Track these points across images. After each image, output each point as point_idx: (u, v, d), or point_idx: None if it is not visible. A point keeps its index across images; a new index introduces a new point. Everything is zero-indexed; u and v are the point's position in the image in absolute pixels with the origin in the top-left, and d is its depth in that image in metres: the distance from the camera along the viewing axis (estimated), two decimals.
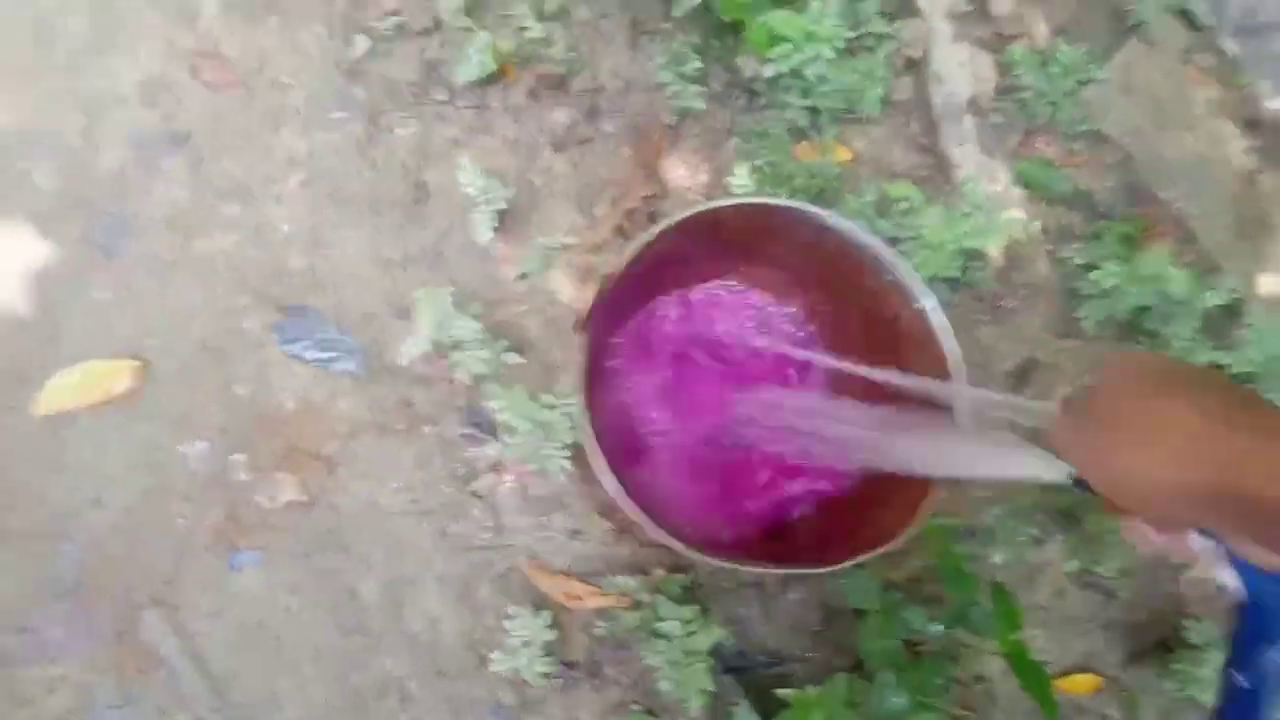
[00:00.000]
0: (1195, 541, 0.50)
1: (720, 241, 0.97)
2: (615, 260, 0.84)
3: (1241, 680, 0.55)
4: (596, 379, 1.00)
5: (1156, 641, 1.19)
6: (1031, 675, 0.94)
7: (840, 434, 0.93)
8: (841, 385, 1.01)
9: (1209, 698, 1.07)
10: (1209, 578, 1.24)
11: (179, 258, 1.03)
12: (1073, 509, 1.16)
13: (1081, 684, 1.17)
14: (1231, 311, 1.24)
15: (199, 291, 1.02)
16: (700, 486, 0.99)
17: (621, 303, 0.99)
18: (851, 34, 1.15)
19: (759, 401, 0.99)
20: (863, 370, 0.90)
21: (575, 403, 0.87)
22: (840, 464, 0.98)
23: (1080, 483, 0.53)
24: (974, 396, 0.86)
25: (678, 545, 0.81)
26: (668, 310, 1.05)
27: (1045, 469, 0.56)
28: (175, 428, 0.99)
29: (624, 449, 0.99)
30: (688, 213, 0.84)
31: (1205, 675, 1.10)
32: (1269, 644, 0.53)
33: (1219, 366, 1.18)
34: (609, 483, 0.79)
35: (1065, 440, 0.51)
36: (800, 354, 1.03)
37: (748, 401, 1.01)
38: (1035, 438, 0.75)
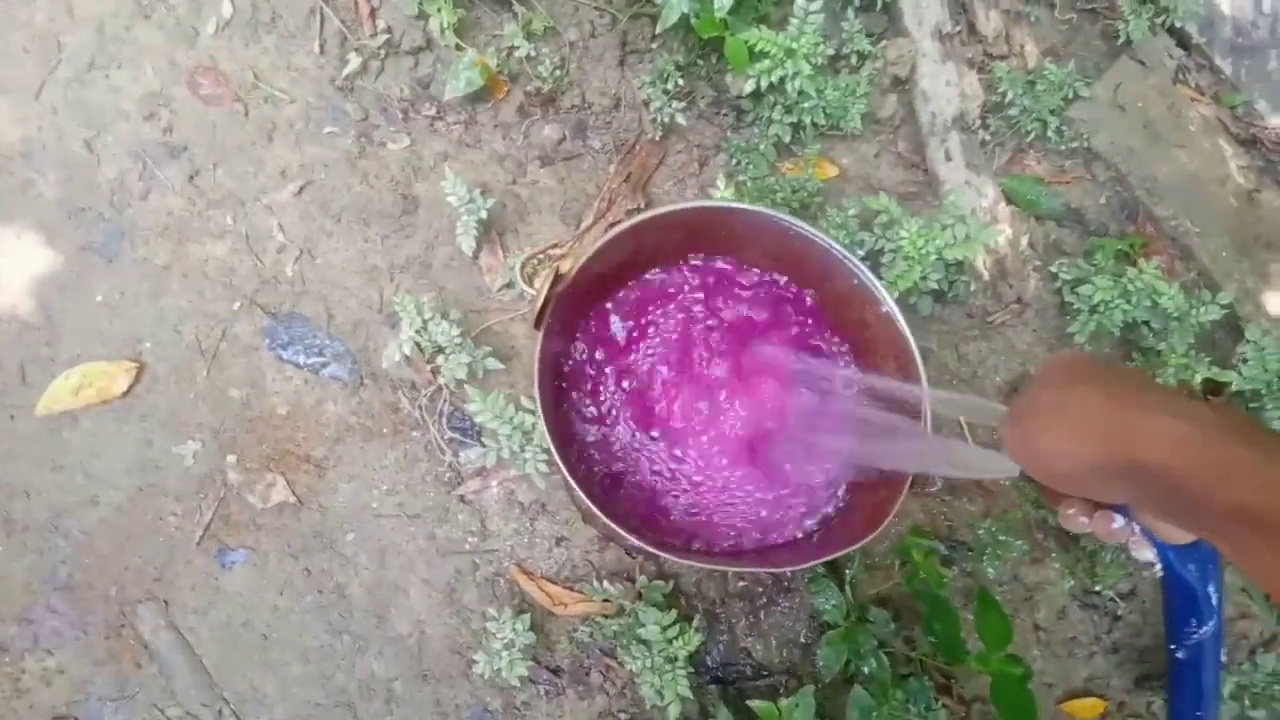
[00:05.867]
0: (1116, 521, 0.63)
1: (688, 243, 1.15)
2: (575, 256, 1.02)
3: (1179, 654, 0.71)
4: (568, 376, 1.17)
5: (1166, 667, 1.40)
6: (1014, 699, 1.12)
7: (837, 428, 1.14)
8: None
9: None
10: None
11: (173, 263, 1.24)
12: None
13: (1085, 708, 1.35)
14: (1230, 329, 1.48)
15: (192, 296, 1.24)
16: (683, 486, 1.18)
17: (588, 301, 1.17)
18: (833, 51, 1.40)
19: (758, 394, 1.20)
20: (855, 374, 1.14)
21: (535, 399, 1.06)
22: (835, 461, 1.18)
23: (1025, 473, 0.67)
24: (939, 396, 1.08)
25: (655, 549, 0.96)
26: (649, 289, 1.19)
27: (995, 465, 0.72)
28: (168, 428, 1.19)
29: (604, 449, 1.16)
30: (653, 212, 1.02)
31: None
32: (1195, 619, 0.69)
33: (1219, 384, 1.41)
34: (578, 495, 0.95)
35: (1006, 434, 0.65)
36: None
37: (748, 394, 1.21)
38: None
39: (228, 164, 1.30)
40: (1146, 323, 1.38)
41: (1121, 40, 1.54)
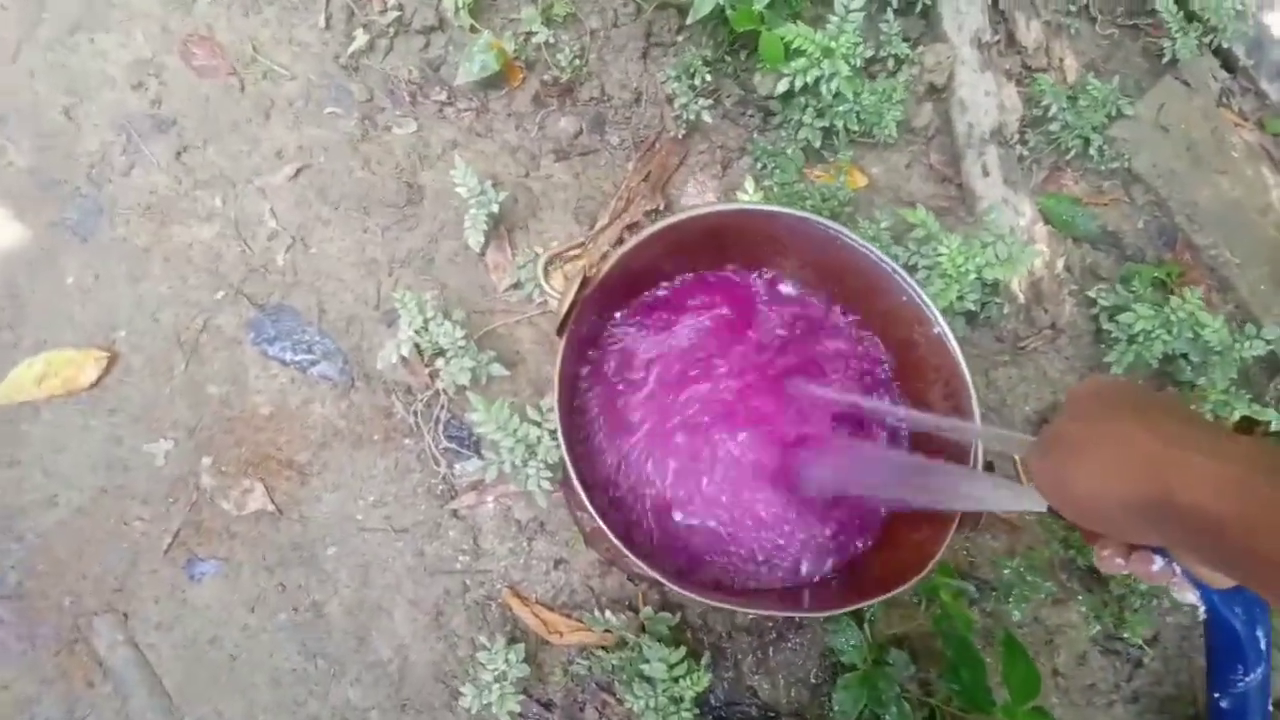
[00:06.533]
0: (1156, 563, 0.58)
1: (722, 250, 1.06)
2: (601, 259, 0.93)
3: (1222, 703, 0.68)
4: (585, 388, 1.08)
5: (1188, 718, 1.31)
6: None
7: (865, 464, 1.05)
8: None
9: None
10: None
11: (154, 245, 1.14)
12: (1096, 568, 1.29)
13: None
14: (1267, 365, 1.40)
15: (173, 282, 1.13)
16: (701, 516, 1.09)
17: (611, 308, 1.08)
18: (870, 54, 1.31)
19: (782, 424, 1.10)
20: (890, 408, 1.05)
21: (551, 406, 0.96)
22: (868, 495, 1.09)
23: (1053, 509, 0.62)
24: (957, 426, 0.98)
25: (666, 580, 0.87)
26: (675, 299, 1.10)
27: (1020, 500, 0.67)
28: (139, 425, 1.09)
29: (618, 468, 1.06)
30: (688, 214, 0.94)
31: None
32: (1241, 665, 0.65)
33: (1256, 422, 1.33)
34: (588, 512, 0.85)
35: (1034, 468, 0.61)
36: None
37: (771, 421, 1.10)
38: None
39: (219, 141, 1.19)
40: (1185, 355, 1.30)
41: (1166, 59, 1.46)
